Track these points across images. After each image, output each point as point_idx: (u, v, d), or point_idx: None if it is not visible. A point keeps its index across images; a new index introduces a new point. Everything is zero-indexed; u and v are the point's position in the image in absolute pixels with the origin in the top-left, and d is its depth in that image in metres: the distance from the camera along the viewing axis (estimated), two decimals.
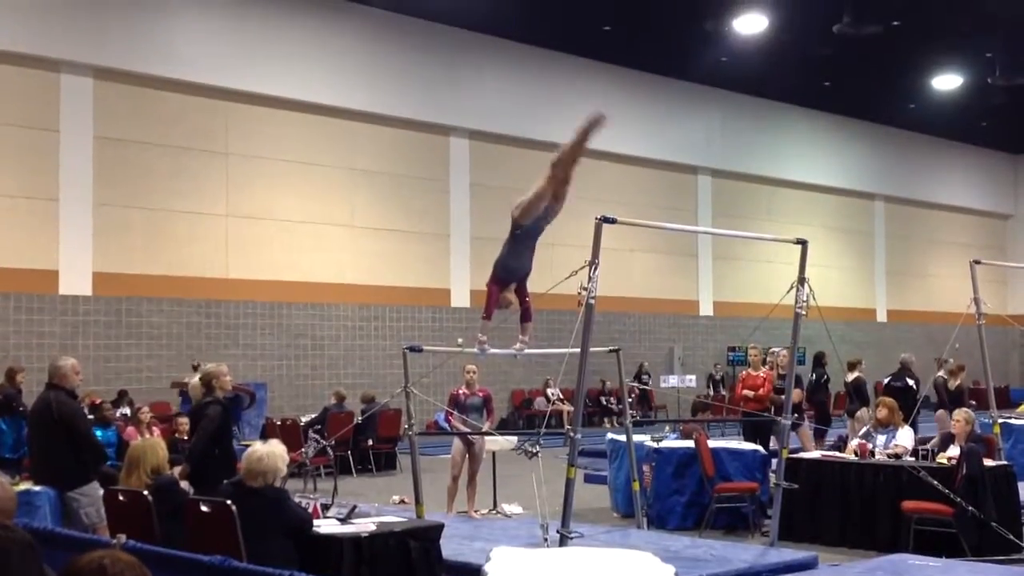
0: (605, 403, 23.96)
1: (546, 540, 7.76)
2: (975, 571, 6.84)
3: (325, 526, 6.49)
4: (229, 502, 6.11)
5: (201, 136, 19.56)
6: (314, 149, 20.92)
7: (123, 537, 4.60)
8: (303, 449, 10.69)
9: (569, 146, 7.66)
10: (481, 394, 11.19)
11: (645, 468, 10.95)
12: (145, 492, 6.78)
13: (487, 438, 11.11)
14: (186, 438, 10.44)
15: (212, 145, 19.70)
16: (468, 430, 10.94)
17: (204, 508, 6.31)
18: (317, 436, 12.89)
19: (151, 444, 7.46)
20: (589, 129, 7.56)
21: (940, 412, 14.61)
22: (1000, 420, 11.58)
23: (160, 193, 19.04)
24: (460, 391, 11.22)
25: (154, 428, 13.09)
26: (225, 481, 6.57)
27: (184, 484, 7.42)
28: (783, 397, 12.75)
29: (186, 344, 19.05)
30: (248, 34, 20.01)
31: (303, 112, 20.74)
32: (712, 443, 11.28)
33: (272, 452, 6.27)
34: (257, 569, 4.93)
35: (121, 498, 6.99)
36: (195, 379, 8.79)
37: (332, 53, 21.03)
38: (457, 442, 11.05)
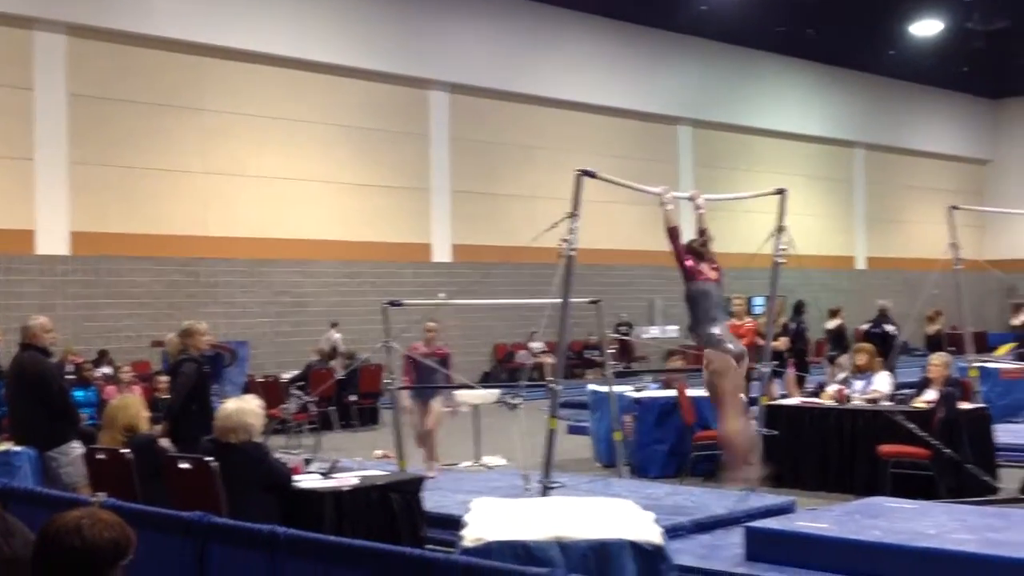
0: (588, 356, 24.01)
1: (527, 490, 7.81)
2: (950, 512, 6.92)
3: (306, 481, 6.50)
4: (209, 458, 6.12)
5: (177, 92, 19.32)
6: (292, 104, 20.71)
7: (103, 495, 4.60)
8: (284, 405, 10.73)
9: None
10: (438, 354, 10.45)
11: (626, 418, 11.02)
12: (125, 450, 6.78)
13: (465, 393, 11.07)
14: (166, 396, 10.45)
15: (188, 101, 19.48)
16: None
17: (184, 465, 6.31)
18: (299, 392, 12.93)
19: (124, 403, 7.45)
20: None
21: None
22: (977, 364, 11.70)
23: (136, 150, 18.85)
24: (419, 349, 10.44)
25: (134, 387, 13.09)
26: (204, 438, 6.56)
27: (165, 442, 7.42)
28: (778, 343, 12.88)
29: (166, 303, 18.96)
30: None
31: (280, 67, 20.50)
32: (692, 392, 11.33)
33: (240, 408, 6.23)
34: (238, 524, 4.95)
35: (101, 456, 6.99)
36: (171, 335, 8.76)
37: (308, 6, 20.75)
38: (404, 396, 10.28)
